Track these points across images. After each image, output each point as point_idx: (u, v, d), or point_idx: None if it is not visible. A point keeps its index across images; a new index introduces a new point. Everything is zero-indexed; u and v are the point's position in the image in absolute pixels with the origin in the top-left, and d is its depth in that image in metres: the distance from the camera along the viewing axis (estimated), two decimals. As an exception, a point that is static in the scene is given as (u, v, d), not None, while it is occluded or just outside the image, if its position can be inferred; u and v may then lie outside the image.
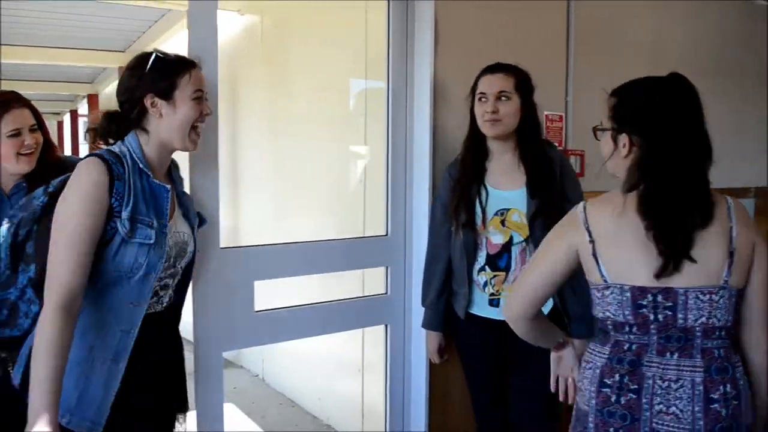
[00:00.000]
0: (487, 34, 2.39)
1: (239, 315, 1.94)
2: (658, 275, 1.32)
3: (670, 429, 1.31)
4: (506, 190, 2.02)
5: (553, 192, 1.98)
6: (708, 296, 1.32)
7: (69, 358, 1.33)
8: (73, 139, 11.71)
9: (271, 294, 2.12)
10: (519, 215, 1.99)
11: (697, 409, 1.30)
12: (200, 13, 1.82)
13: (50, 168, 1.72)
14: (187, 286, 1.67)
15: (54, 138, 1.96)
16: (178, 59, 1.53)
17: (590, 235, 1.41)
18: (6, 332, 1.55)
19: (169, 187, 1.52)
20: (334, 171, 3.13)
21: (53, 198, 1.44)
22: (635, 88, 1.45)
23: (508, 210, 2.00)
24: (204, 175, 1.82)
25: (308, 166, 3.30)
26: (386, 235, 2.28)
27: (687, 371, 1.33)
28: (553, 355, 1.69)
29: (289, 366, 3.77)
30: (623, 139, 1.42)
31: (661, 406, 1.32)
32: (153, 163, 1.52)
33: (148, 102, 1.49)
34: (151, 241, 1.44)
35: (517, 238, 1.99)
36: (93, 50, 6.31)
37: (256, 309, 1.99)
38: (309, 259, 2.11)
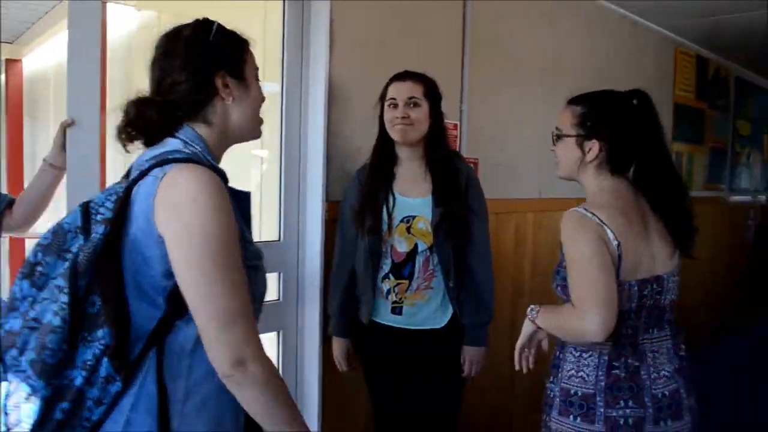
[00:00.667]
0: (383, 39, 2.41)
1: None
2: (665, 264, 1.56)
3: (664, 388, 1.55)
4: (413, 197, 2.04)
5: (458, 202, 2.01)
6: (676, 278, 1.60)
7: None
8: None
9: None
10: (424, 223, 2.01)
11: (675, 367, 1.58)
12: (83, 7, 1.71)
13: None
14: None
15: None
16: (234, 30, 1.24)
17: (616, 238, 1.48)
18: None
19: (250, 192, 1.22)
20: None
21: (117, 227, 1.05)
22: (606, 98, 1.60)
23: (414, 217, 2.02)
24: (84, 177, 1.72)
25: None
26: (279, 240, 2.24)
27: (664, 341, 1.60)
28: (529, 327, 1.68)
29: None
30: (592, 144, 1.56)
31: (655, 373, 1.55)
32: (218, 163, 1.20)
33: (219, 82, 1.16)
34: (259, 263, 1.18)
35: (422, 246, 2.01)
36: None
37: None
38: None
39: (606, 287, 1.43)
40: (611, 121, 1.55)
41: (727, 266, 5.53)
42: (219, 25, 1.20)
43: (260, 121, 1.26)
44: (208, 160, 1.13)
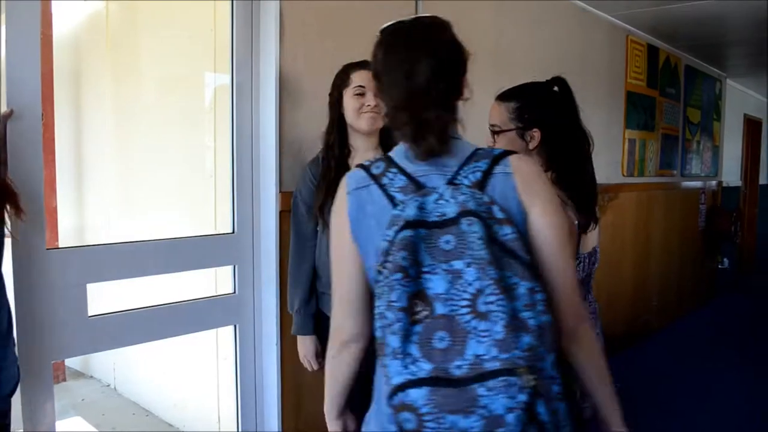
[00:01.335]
0: (334, 30, 2.39)
1: (70, 321, 1.81)
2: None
3: None
4: None
5: None
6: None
7: None
8: None
9: (125, 296, 2.01)
10: None
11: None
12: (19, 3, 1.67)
13: None
14: None
15: None
16: None
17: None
18: None
19: None
20: (185, 166, 3.01)
21: None
22: (535, 91, 1.72)
23: None
24: (26, 169, 1.67)
25: (158, 161, 3.15)
26: (233, 232, 2.22)
27: (591, 306, 1.76)
28: None
29: (143, 374, 3.57)
30: (533, 133, 1.66)
31: None
32: None
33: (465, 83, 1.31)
34: None
35: None
36: None
37: (90, 314, 1.86)
38: (149, 260, 2.00)
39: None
40: (545, 110, 1.68)
41: (679, 249, 5.68)
42: None
43: None
44: None
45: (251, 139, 2.23)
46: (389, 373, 1.06)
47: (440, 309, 1.05)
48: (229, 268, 2.25)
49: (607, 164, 4.26)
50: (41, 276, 1.74)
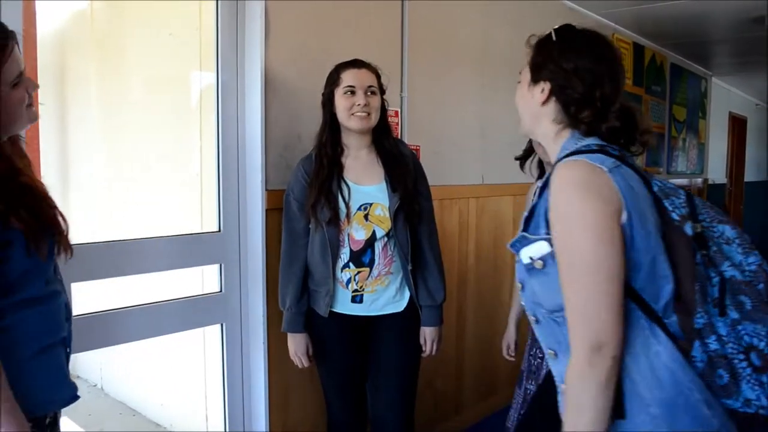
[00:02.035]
0: (320, 28, 2.39)
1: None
2: None
3: None
4: (367, 185, 2.05)
5: (412, 187, 2.06)
6: None
7: None
8: None
9: (111, 295, 2.01)
10: (382, 209, 2.03)
11: None
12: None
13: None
14: None
15: None
16: None
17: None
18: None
19: None
20: (171, 164, 3.00)
21: None
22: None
23: (370, 205, 2.03)
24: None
25: (144, 160, 3.13)
26: (219, 231, 2.21)
27: None
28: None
29: (130, 373, 3.55)
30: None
31: None
32: None
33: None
34: None
35: (380, 233, 2.02)
36: None
37: (76, 313, 1.85)
38: (135, 258, 2.00)
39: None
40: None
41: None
42: None
43: None
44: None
45: (237, 137, 2.22)
46: None
47: None
48: (215, 267, 2.24)
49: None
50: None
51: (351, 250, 2.03)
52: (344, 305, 2.07)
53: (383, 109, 2.10)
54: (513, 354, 2.39)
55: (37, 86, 1.26)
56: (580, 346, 1.08)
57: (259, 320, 2.24)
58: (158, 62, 3.02)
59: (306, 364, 2.15)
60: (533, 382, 2.16)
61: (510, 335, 2.41)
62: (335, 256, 2.02)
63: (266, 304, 2.23)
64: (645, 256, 1.11)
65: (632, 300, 1.11)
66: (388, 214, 2.03)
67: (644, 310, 1.11)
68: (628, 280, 1.10)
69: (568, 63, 1.23)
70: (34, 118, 1.26)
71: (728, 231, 1.16)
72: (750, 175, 9.54)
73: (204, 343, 2.79)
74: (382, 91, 2.10)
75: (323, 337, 2.13)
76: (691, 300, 1.11)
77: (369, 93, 2.01)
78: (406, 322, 2.11)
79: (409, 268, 2.07)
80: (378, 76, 2.08)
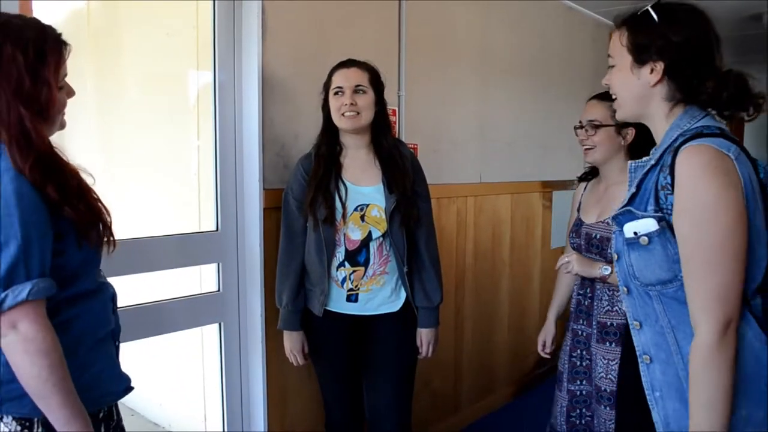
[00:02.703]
0: (318, 27, 2.39)
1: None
2: None
3: None
4: (364, 185, 2.05)
5: (410, 188, 2.05)
6: None
7: None
8: None
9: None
10: (378, 210, 2.03)
11: None
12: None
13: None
14: None
15: None
16: None
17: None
18: None
19: None
20: (168, 163, 2.99)
21: None
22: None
23: (367, 205, 2.03)
24: None
25: (142, 159, 3.13)
26: (217, 230, 2.21)
27: None
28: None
29: (128, 373, 3.55)
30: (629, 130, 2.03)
31: None
32: None
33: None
34: None
35: (376, 233, 2.02)
36: None
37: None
38: (133, 258, 1.99)
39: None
40: None
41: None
42: None
43: None
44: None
45: (234, 137, 2.22)
46: None
47: None
48: (213, 266, 2.24)
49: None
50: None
51: (346, 250, 2.03)
52: (339, 304, 2.07)
53: (383, 109, 2.09)
54: (549, 351, 2.32)
55: (73, 93, 1.32)
56: (713, 323, 1.12)
57: (257, 319, 2.24)
58: (155, 61, 3.02)
59: (301, 362, 2.15)
60: (584, 382, 2.10)
61: (549, 330, 2.32)
62: (331, 255, 2.02)
63: (264, 303, 2.23)
64: (756, 242, 1.16)
65: None
66: (384, 216, 2.02)
67: None
68: None
69: (679, 36, 1.21)
70: (63, 125, 1.32)
71: None
72: (747, 173, 9.54)
73: (202, 343, 2.79)
74: (380, 89, 2.08)
75: (319, 336, 2.13)
76: None
77: (359, 92, 2.01)
78: (402, 322, 2.11)
79: (405, 269, 2.06)
80: (371, 74, 2.06)
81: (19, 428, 1.19)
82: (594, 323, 2.05)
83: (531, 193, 3.70)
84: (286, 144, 2.29)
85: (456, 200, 3.11)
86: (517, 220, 3.59)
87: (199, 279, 2.49)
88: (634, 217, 1.23)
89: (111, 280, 1.86)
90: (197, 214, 2.57)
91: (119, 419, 1.37)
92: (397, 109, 2.72)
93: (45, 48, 1.21)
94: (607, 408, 2.00)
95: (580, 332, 2.11)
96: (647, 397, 1.27)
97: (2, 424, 1.19)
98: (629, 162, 1.32)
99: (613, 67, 1.32)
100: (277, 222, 2.15)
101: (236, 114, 2.21)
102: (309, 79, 2.19)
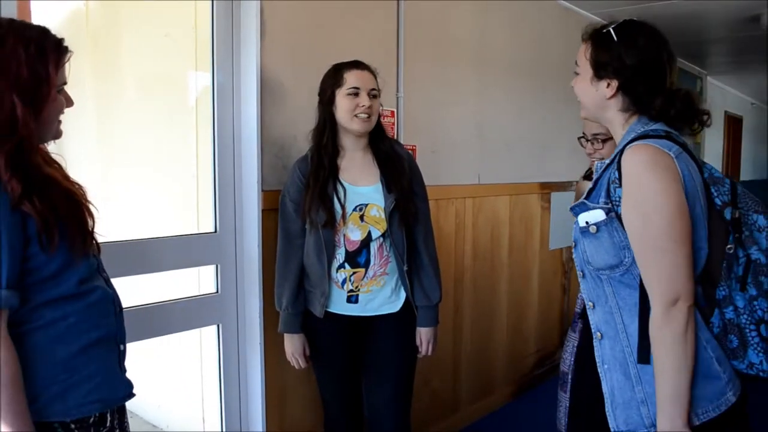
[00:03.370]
0: (316, 28, 2.39)
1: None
2: None
3: None
4: (362, 186, 2.05)
5: (408, 187, 2.06)
6: None
7: None
8: None
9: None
10: (377, 210, 2.03)
11: None
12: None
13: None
14: None
15: None
16: None
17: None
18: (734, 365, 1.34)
19: None
20: (167, 165, 2.99)
21: None
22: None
23: (366, 205, 2.03)
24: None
25: (140, 160, 3.12)
26: (215, 231, 2.21)
27: None
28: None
29: (127, 375, 3.55)
30: None
31: None
32: None
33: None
34: None
35: (375, 233, 2.02)
36: None
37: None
38: (131, 260, 1.99)
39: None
40: None
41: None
42: None
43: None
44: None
45: (233, 138, 2.21)
46: None
47: None
48: (211, 268, 2.24)
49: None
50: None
51: (346, 251, 2.03)
52: (340, 305, 2.06)
53: (379, 111, 2.12)
54: None
55: (72, 103, 1.32)
56: (660, 301, 1.25)
57: (255, 321, 2.24)
58: (154, 62, 3.02)
59: (303, 365, 2.15)
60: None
61: None
62: (330, 257, 2.02)
63: (263, 305, 2.23)
64: (695, 233, 1.28)
65: None
66: (383, 215, 2.03)
67: None
68: None
69: (633, 59, 1.35)
70: (58, 134, 1.32)
71: (761, 220, 1.34)
72: (746, 174, 9.56)
73: (201, 344, 2.78)
74: (379, 93, 2.10)
75: (319, 338, 2.13)
76: (717, 274, 1.31)
77: (371, 96, 2.02)
78: (402, 322, 2.11)
79: (405, 268, 2.07)
80: (376, 78, 2.08)
81: None
82: None
83: (529, 194, 3.70)
84: (285, 145, 2.29)
85: (455, 201, 3.11)
86: (515, 221, 3.59)
87: (197, 281, 2.48)
88: (586, 208, 1.36)
89: (112, 281, 1.85)
90: (196, 216, 2.57)
91: (113, 426, 1.33)
92: (395, 110, 2.72)
93: (46, 47, 1.22)
94: (564, 393, 2.07)
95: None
96: (598, 370, 1.40)
97: None
98: (596, 162, 1.46)
99: (578, 74, 1.46)
100: (276, 223, 2.15)
101: (235, 115, 2.21)
102: (308, 81, 2.19)
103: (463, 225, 3.18)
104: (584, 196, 1.41)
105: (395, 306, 2.10)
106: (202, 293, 2.25)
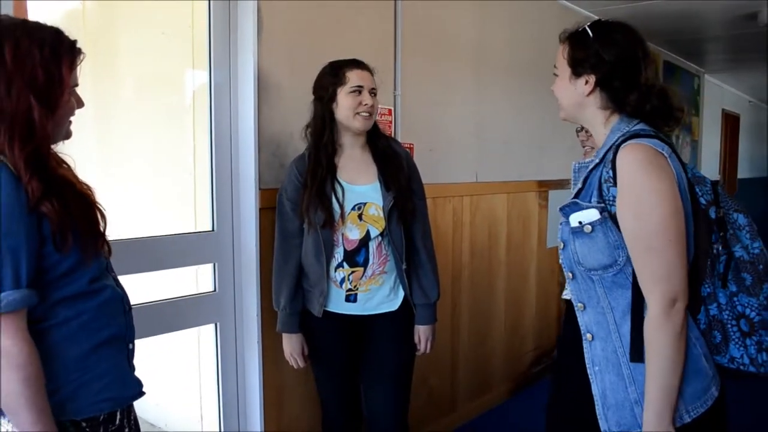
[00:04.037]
0: (313, 27, 2.39)
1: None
2: None
3: None
4: (360, 184, 2.05)
5: (406, 186, 2.06)
6: None
7: None
8: None
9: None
10: (376, 209, 2.03)
11: None
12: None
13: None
14: None
15: None
16: None
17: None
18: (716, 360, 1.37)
19: None
20: (164, 163, 2.99)
21: None
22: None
23: (364, 204, 2.03)
24: None
25: (138, 159, 3.12)
26: (212, 230, 2.21)
27: None
28: None
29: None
30: None
31: None
32: None
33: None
34: None
35: (374, 232, 2.02)
36: None
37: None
38: (129, 258, 1.98)
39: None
40: None
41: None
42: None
43: None
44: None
45: (230, 136, 2.21)
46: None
47: None
48: (209, 266, 2.24)
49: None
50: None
51: (345, 250, 2.03)
52: (338, 305, 2.07)
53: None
54: None
55: (83, 104, 1.33)
56: (658, 301, 1.26)
57: (253, 319, 2.24)
58: (151, 61, 3.01)
59: (302, 364, 2.15)
60: None
61: None
62: (329, 256, 2.02)
63: (260, 304, 2.23)
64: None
65: None
66: (382, 214, 2.03)
67: None
68: None
69: (610, 55, 1.37)
70: (69, 135, 1.32)
71: (741, 219, 1.37)
72: (743, 171, 9.58)
73: (198, 343, 2.79)
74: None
75: (318, 337, 2.13)
76: (702, 272, 1.32)
77: (372, 93, 2.02)
78: (401, 320, 2.12)
79: (404, 267, 2.07)
80: (374, 77, 2.09)
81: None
82: None
83: (527, 192, 3.71)
84: (282, 144, 2.29)
85: (452, 199, 3.11)
86: (513, 219, 3.59)
87: (195, 279, 2.48)
88: (579, 208, 1.36)
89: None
90: (193, 214, 2.57)
91: (123, 424, 1.33)
92: (393, 108, 2.72)
93: (60, 48, 1.23)
94: None
95: None
96: (588, 372, 1.39)
97: (2, 424, 1.19)
98: (573, 162, 1.46)
99: (557, 76, 1.48)
100: (273, 222, 2.15)
101: (232, 114, 2.21)
102: (305, 79, 2.19)
103: (460, 223, 3.18)
104: (573, 195, 1.41)
105: (394, 304, 2.10)
106: (199, 292, 2.25)
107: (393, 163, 2.07)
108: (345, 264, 2.03)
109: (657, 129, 1.37)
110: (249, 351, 2.27)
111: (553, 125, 3.82)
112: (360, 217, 2.03)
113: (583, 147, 2.13)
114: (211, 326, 2.27)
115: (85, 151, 3.58)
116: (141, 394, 1.38)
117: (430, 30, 2.95)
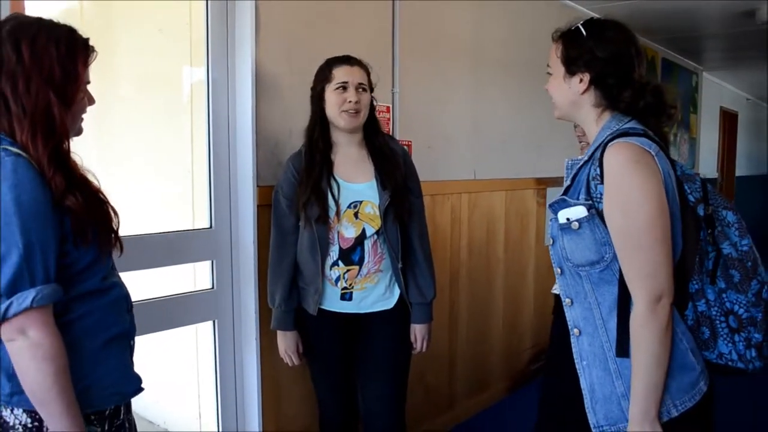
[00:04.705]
0: (311, 24, 2.39)
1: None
2: None
3: None
4: (357, 182, 2.04)
5: (403, 184, 2.05)
6: None
7: None
8: None
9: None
10: (372, 207, 2.02)
11: None
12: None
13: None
14: None
15: None
16: None
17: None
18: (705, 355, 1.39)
19: None
20: (162, 161, 2.99)
21: None
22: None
23: (361, 202, 2.02)
24: None
25: (136, 157, 3.12)
26: (210, 227, 2.21)
27: None
28: None
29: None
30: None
31: None
32: None
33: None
34: None
35: (370, 231, 2.02)
36: None
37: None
38: (126, 256, 1.95)
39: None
40: None
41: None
42: None
43: None
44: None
45: (228, 134, 2.22)
46: None
47: None
48: (207, 264, 2.24)
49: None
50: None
51: (340, 248, 2.03)
52: (333, 303, 2.06)
53: (371, 106, 2.10)
54: None
55: (94, 101, 1.37)
56: (643, 298, 1.27)
57: (251, 317, 2.24)
58: (148, 59, 3.01)
59: (296, 362, 2.15)
60: None
61: None
62: (324, 254, 2.02)
63: (258, 301, 2.23)
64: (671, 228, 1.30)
65: None
66: (378, 212, 2.02)
67: None
68: None
69: (604, 52, 1.38)
70: (80, 131, 1.37)
71: (730, 216, 1.38)
72: (741, 169, 9.58)
73: (196, 341, 2.79)
74: (372, 88, 2.10)
75: (313, 335, 2.13)
76: (690, 269, 1.34)
77: (360, 90, 2.01)
78: (396, 319, 2.12)
79: (399, 266, 2.07)
80: (368, 74, 2.07)
81: (29, 420, 1.21)
82: None
83: (525, 189, 3.71)
84: (280, 141, 2.29)
85: (450, 197, 3.11)
86: (511, 216, 3.59)
87: (193, 277, 2.48)
88: (567, 205, 1.37)
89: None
90: (191, 212, 2.57)
91: (126, 418, 1.37)
92: (391, 106, 2.72)
93: (75, 46, 1.25)
94: None
95: None
96: (576, 366, 1.40)
97: (13, 416, 1.21)
98: (566, 160, 1.48)
99: (551, 75, 1.49)
100: (270, 219, 2.15)
101: (230, 111, 2.21)
102: (302, 77, 2.19)
103: (458, 220, 3.18)
104: (562, 192, 1.42)
105: (389, 303, 2.10)
106: (197, 289, 2.25)
107: (390, 161, 2.07)
108: (340, 262, 2.03)
109: (649, 126, 1.38)
110: (247, 348, 2.27)
111: (551, 123, 3.81)
112: (356, 215, 2.03)
113: (580, 143, 2.13)
114: (209, 323, 2.27)
115: (83, 149, 3.58)
116: (141, 389, 1.40)
117: (427, 28, 2.95)
